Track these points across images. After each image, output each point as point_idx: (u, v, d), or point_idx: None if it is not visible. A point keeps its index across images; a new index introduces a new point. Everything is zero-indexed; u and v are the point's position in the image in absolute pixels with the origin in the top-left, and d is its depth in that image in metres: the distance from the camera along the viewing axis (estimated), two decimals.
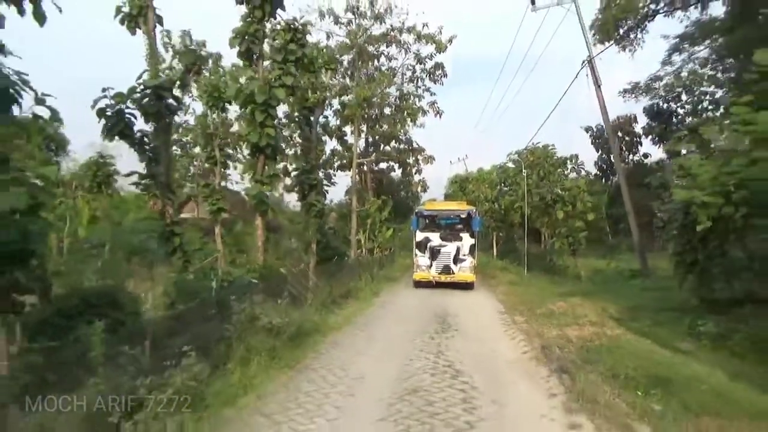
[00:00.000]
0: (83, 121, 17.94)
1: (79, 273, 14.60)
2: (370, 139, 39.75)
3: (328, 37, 34.38)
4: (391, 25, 35.16)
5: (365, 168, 38.19)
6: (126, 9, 16.93)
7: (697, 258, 11.13)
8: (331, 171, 38.51)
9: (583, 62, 22.89)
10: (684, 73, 28.41)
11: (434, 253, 21.89)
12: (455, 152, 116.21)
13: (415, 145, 40.63)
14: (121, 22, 17.15)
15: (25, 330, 7.64)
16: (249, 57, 19.92)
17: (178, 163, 35.47)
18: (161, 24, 17.82)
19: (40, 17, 7.03)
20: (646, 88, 30.32)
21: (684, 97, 37.23)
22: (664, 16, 29.32)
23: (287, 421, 6.03)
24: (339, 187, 60.13)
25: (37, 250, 5.72)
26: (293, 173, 27.81)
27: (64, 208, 22.76)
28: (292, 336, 9.06)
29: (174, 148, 31.87)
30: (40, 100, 5.75)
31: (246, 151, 31.10)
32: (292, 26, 20.38)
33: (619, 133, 49.19)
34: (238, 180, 37.64)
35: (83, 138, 44.28)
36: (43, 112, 5.68)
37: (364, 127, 37.43)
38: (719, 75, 28.81)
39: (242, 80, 20.30)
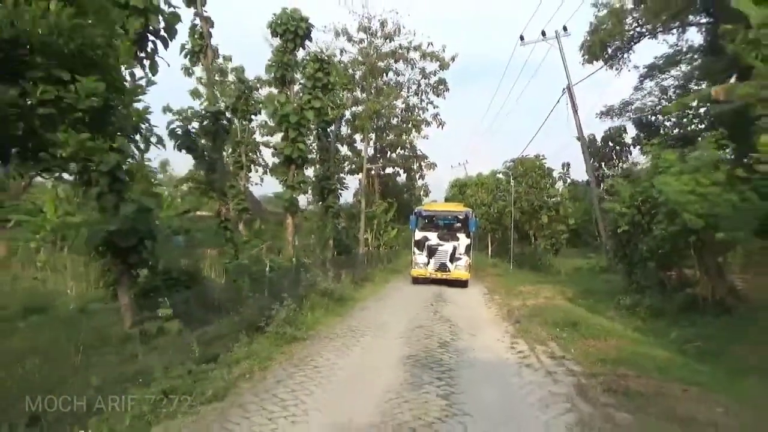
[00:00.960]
0: None
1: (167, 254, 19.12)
2: (378, 146, 44.17)
3: (341, 53, 38.92)
4: (400, 45, 39.68)
5: (373, 173, 42.57)
6: (189, 47, 21.35)
7: (625, 253, 15.61)
8: (342, 174, 42.97)
9: (563, 90, 27.19)
10: (653, 99, 32.73)
11: (432, 252, 22.94)
12: (458, 151, 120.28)
13: (418, 152, 45.11)
14: (185, 56, 21.63)
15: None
16: (282, 81, 24.40)
17: None
18: (217, 58, 22.34)
19: (154, 69, 11.78)
20: (619, 110, 34.75)
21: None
22: (649, 38, 33.58)
23: (345, 339, 10.45)
24: (348, 189, 64.50)
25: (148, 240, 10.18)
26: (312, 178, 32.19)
27: None
28: (338, 299, 13.59)
29: None
30: (160, 140, 10.17)
31: (267, 157, 35.56)
32: (319, 57, 24.83)
33: (610, 143, 53.56)
34: (257, 182, 42.15)
35: None
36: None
37: (372, 136, 41.78)
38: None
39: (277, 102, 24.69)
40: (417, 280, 22.89)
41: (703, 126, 29.39)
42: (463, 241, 22.82)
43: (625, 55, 34.25)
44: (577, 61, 32.54)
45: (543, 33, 28.72)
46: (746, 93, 11.69)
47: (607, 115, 35.58)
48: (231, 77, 29.36)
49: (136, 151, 10.27)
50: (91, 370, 6.69)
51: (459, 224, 24.42)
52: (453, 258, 22.55)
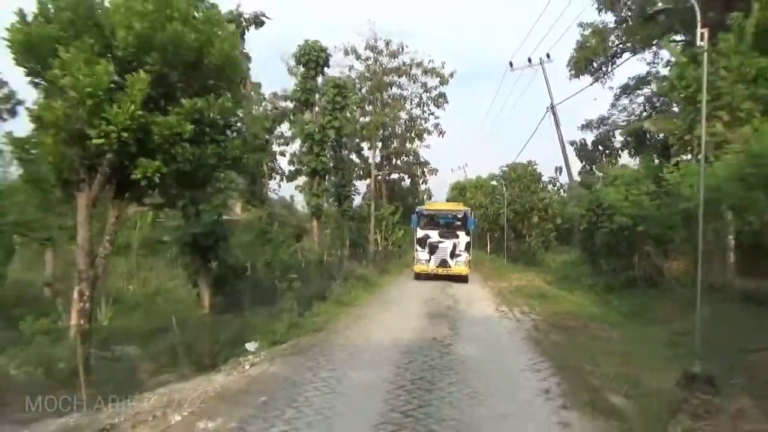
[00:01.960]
0: None
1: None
2: (384, 154, 48.77)
3: (349, 69, 43.60)
4: (403, 62, 44.37)
5: (379, 178, 47.17)
6: None
7: (586, 246, 20.33)
8: (353, 180, 47.62)
9: (547, 109, 31.87)
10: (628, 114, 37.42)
11: (433, 249, 24.29)
12: (460, 154, 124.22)
13: (421, 159, 49.71)
14: None
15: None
16: (306, 104, 29.14)
17: None
18: (254, 88, 27.01)
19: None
20: (597, 124, 39.50)
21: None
22: (631, 54, 37.97)
23: (381, 305, 15.16)
24: (358, 194, 69.30)
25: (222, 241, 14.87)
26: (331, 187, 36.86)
27: None
28: (370, 282, 18.35)
29: None
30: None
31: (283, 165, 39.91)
32: (338, 83, 29.51)
33: (600, 147, 58.33)
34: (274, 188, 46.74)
35: None
36: None
37: (379, 144, 46.38)
38: None
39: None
40: (419, 276, 24.28)
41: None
42: (463, 238, 24.39)
43: (609, 70, 38.74)
44: (566, 76, 37.07)
45: (529, 60, 33.40)
46: (664, 127, 16.49)
47: (587, 128, 40.31)
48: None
49: None
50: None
51: (459, 223, 25.53)
52: (453, 254, 24.03)
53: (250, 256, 22.34)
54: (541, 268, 32.11)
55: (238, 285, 16.72)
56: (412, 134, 47.05)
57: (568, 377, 7.86)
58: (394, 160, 49.18)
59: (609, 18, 34.63)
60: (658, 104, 32.53)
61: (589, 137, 43.38)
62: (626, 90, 35.71)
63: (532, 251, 38.11)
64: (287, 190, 57.19)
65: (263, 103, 34.54)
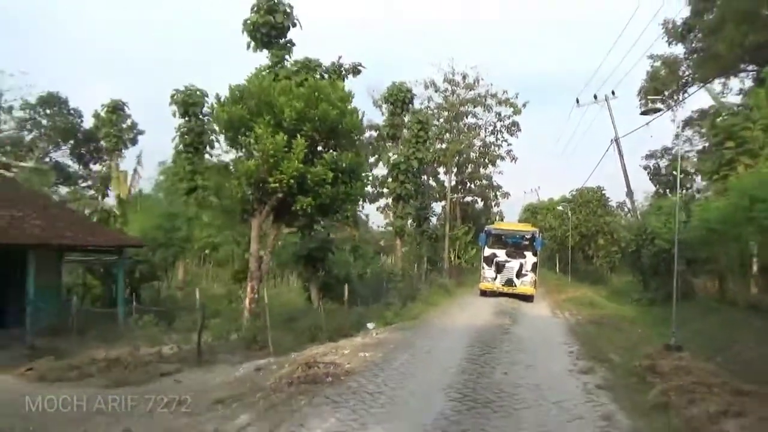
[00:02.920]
0: None
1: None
2: (459, 179, 52.89)
3: (428, 100, 48.28)
4: (479, 93, 48.60)
5: (454, 200, 51.27)
6: None
7: (636, 266, 23.83)
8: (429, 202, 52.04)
9: (611, 141, 35.16)
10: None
11: (500, 267, 24.91)
12: (533, 174, 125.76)
13: (494, 183, 53.46)
14: None
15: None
16: (393, 137, 33.96)
17: None
18: None
19: None
20: (660, 154, 42.06)
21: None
22: (699, 86, 40.01)
23: (459, 307, 19.55)
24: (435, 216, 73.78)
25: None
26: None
27: None
28: (449, 291, 22.78)
29: None
30: None
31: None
32: (420, 120, 34.20)
33: (674, 171, 59.95)
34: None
35: None
36: None
37: (454, 169, 50.56)
38: None
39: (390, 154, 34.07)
40: (485, 293, 24.78)
41: None
42: (530, 258, 25.06)
43: (680, 99, 40.75)
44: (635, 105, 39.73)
45: (595, 96, 36.81)
46: (699, 167, 19.94)
47: (651, 158, 42.81)
48: None
49: None
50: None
51: (526, 243, 26.28)
52: (519, 274, 24.65)
53: (344, 267, 27.19)
54: (604, 286, 35.23)
55: (339, 290, 21.50)
56: (486, 160, 50.93)
57: (588, 347, 12.03)
58: (468, 184, 53.15)
59: (679, 50, 36.88)
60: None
61: (663, 162, 45.12)
62: (689, 122, 38.20)
63: (598, 272, 41.14)
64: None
65: None
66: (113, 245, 17.18)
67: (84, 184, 47.31)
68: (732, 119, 19.33)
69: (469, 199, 54.69)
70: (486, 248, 26.16)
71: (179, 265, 28.33)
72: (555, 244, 47.73)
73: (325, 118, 14.68)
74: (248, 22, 23.04)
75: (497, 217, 55.34)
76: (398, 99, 33.72)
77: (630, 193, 36.78)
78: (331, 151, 15.69)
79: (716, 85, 36.72)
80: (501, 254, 25.52)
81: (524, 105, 48.77)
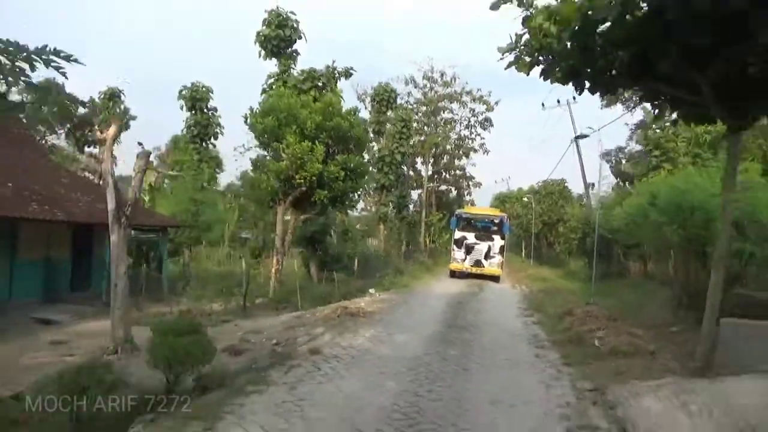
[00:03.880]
0: None
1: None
2: (434, 169, 57.59)
3: (408, 95, 52.71)
4: (455, 90, 53.20)
5: (430, 189, 56.00)
6: None
7: (583, 250, 28.88)
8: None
9: (571, 141, 40.10)
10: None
11: (469, 249, 26.54)
12: (506, 164, 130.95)
13: (467, 174, 58.33)
14: None
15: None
16: (378, 132, 38.34)
17: None
18: None
19: None
20: (615, 153, 47.36)
21: None
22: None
23: (437, 281, 24.28)
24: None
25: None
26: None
27: None
28: (428, 268, 27.52)
29: None
30: None
31: None
32: (404, 118, 38.71)
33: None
34: None
35: None
36: None
37: (431, 160, 55.22)
38: None
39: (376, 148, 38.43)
40: (454, 274, 26.73)
41: None
42: (498, 242, 26.98)
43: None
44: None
45: (558, 101, 41.59)
46: (634, 170, 24.89)
47: (607, 156, 48.02)
48: None
49: None
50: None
51: (495, 227, 27.73)
52: (487, 256, 26.52)
53: (338, 248, 31.49)
54: (561, 268, 40.32)
55: (334, 266, 25.86)
56: (461, 152, 55.72)
57: (533, 305, 16.95)
58: (443, 174, 57.90)
59: None
60: None
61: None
62: (641, 125, 43.42)
63: (558, 256, 46.32)
64: None
65: None
66: (159, 225, 21.32)
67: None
68: (660, 133, 24.31)
69: (444, 188, 59.44)
70: (456, 231, 27.58)
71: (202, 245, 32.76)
72: (521, 231, 52.93)
73: (338, 128, 19.17)
74: (260, 34, 27.25)
75: (470, 205, 60.36)
76: (384, 98, 38.17)
77: (587, 187, 41.84)
78: (341, 154, 20.22)
79: None
80: (470, 237, 27.00)
81: (496, 103, 53.61)
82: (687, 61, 7.51)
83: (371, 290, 19.07)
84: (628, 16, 7.18)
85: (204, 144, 34.56)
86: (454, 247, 27.34)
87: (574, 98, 42.46)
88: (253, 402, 6.39)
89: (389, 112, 39.06)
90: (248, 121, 19.93)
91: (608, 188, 47.73)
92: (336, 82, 29.74)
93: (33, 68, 3.66)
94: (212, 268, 28.03)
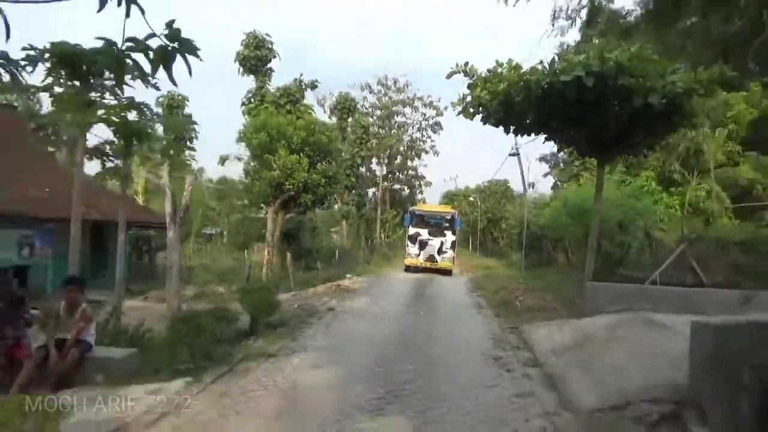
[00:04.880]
0: None
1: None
2: (389, 169, 62.18)
3: (364, 99, 57.09)
4: (408, 96, 57.92)
5: (384, 188, 60.59)
6: None
7: (520, 243, 34.05)
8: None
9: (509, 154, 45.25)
10: None
11: (422, 245, 28.26)
12: (455, 163, 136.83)
13: (419, 173, 63.22)
14: None
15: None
16: (342, 139, 42.54)
17: None
18: None
19: None
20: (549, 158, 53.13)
21: None
22: None
23: (395, 271, 28.78)
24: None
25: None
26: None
27: None
28: (389, 259, 32.04)
29: None
30: None
31: None
32: (363, 125, 43.08)
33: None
34: None
35: None
36: None
37: (385, 161, 59.79)
38: None
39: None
40: (408, 269, 28.51)
41: None
42: (449, 237, 28.83)
43: None
44: None
45: None
46: (559, 176, 30.18)
47: (543, 160, 53.75)
48: None
49: None
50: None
51: (446, 223, 29.30)
52: (440, 251, 28.35)
53: (309, 242, 35.51)
54: (504, 259, 45.61)
55: (308, 258, 29.99)
56: (413, 153, 60.52)
57: (477, 285, 21.70)
58: (396, 174, 62.59)
59: None
60: None
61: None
62: None
63: (502, 250, 51.73)
64: None
65: None
66: (156, 222, 24.99)
67: None
68: None
69: (397, 187, 64.17)
70: (410, 227, 29.11)
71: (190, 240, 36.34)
72: (468, 227, 58.19)
73: (319, 143, 23.40)
74: (240, 54, 31.14)
75: (422, 202, 65.25)
76: (345, 107, 42.46)
77: (525, 191, 47.22)
78: (321, 164, 24.44)
79: None
80: (424, 233, 28.57)
81: (446, 108, 58.60)
82: (567, 124, 12.27)
83: (348, 275, 23.39)
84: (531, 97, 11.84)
85: None
86: (408, 243, 28.90)
87: None
88: (307, 332, 10.77)
89: (350, 119, 43.36)
90: (242, 136, 23.84)
91: (548, 187, 53.81)
92: (303, 94, 33.78)
93: None
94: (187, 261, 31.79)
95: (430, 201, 66.86)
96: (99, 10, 2.62)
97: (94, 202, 20.82)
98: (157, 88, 9.01)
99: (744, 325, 6.11)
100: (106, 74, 8.88)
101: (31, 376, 6.35)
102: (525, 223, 23.36)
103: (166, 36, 2.87)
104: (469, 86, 13.34)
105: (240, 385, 7.09)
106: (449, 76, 13.49)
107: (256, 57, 30.96)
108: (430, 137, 60.59)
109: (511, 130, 13.81)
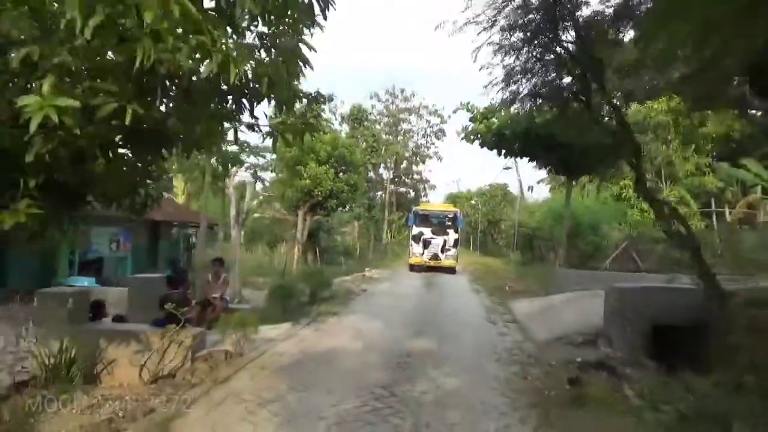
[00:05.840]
0: None
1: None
2: (395, 173, 66.47)
3: (372, 108, 61.39)
4: (413, 105, 62.22)
5: (391, 191, 64.88)
6: None
7: (515, 242, 38.31)
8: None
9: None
10: None
11: (426, 244, 29.02)
12: (462, 166, 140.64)
13: (424, 177, 67.54)
14: None
15: None
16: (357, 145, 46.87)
17: None
18: None
19: None
20: None
21: None
22: None
23: (406, 265, 33.05)
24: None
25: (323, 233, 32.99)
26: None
27: None
28: (399, 256, 36.31)
29: None
30: None
31: None
32: (374, 134, 47.37)
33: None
34: None
35: None
36: None
37: (392, 165, 64.06)
38: None
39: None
40: (413, 267, 29.32)
41: None
42: (452, 235, 29.61)
43: None
44: None
45: None
46: (552, 183, 34.54)
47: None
48: None
49: None
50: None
51: (449, 222, 30.06)
52: (444, 249, 29.14)
53: (327, 241, 39.71)
54: (503, 258, 49.81)
55: (327, 256, 34.23)
56: (418, 159, 64.81)
57: (476, 278, 26.01)
58: (402, 178, 66.88)
59: None
60: None
61: None
62: None
63: (501, 249, 56.06)
64: None
65: None
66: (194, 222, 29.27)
67: None
68: None
69: (403, 190, 68.49)
70: (414, 227, 29.85)
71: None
72: (470, 228, 62.50)
73: (342, 156, 27.65)
74: None
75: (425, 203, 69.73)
76: (357, 117, 46.76)
77: (521, 197, 51.61)
78: (344, 173, 28.67)
79: None
80: (427, 232, 29.27)
81: (449, 116, 62.97)
82: (544, 151, 16.59)
83: (367, 269, 27.61)
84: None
85: None
86: (412, 242, 29.70)
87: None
88: (352, 303, 15.14)
89: (361, 128, 47.68)
90: (276, 150, 28.02)
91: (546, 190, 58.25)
92: (322, 108, 37.67)
93: None
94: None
95: (435, 201, 71.10)
96: None
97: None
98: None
99: (635, 289, 10.39)
100: None
101: (198, 320, 10.59)
102: (516, 226, 27.63)
103: None
104: (470, 119, 17.66)
105: (322, 327, 11.41)
106: (455, 111, 17.90)
107: None
108: (434, 143, 64.90)
109: (503, 154, 18.11)
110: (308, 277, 15.28)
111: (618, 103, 9.31)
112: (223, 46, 3.58)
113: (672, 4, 6.16)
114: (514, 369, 8.40)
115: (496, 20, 8.10)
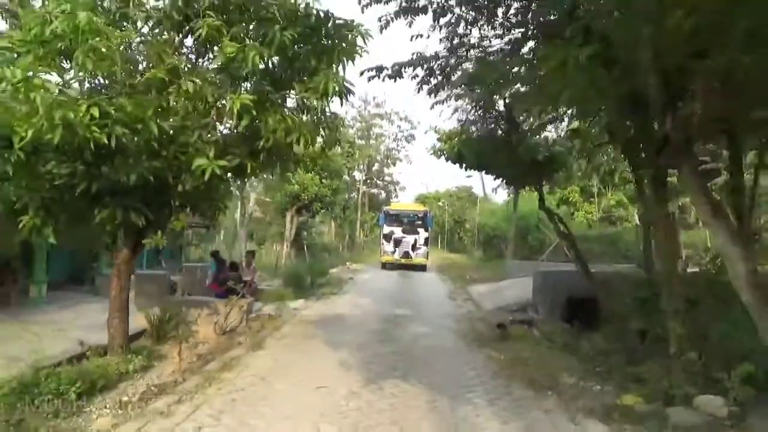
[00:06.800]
0: None
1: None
2: (368, 175, 70.48)
3: (345, 113, 65.26)
4: (385, 111, 66.34)
5: (363, 192, 68.88)
6: None
7: (478, 239, 42.73)
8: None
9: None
10: None
11: (397, 242, 29.98)
12: (429, 169, 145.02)
13: (395, 179, 71.72)
14: None
15: None
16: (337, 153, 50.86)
17: None
18: None
19: None
20: None
21: None
22: None
23: (376, 262, 37.18)
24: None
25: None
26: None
27: None
28: (374, 252, 40.45)
29: None
30: None
31: None
32: (350, 141, 51.30)
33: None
34: None
35: None
36: None
37: (364, 168, 68.08)
38: None
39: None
40: (385, 266, 30.12)
41: None
42: (422, 234, 30.64)
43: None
44: None
45: None
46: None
47: None
48: None
49: None
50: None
51: (419, 221, 31.07)
52: (414, 248, 30.36)
53: (308, 239, 43.52)
54: (467, 255, 54.25)
55: (310, 252, 38.06)
56: (389, 161, 68.94)
57: (442, 270, 30.32)
58: (374, 180, 70.92)
59: None
60: None
61: None
62: None
63: (466, 247, 60.64)
64: None
65: None
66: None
67: None
68: None
69: (374, 191, 72.56)
70: (385, 226, 30.76)
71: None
72: (438, 227, 66.95)
73: (326, 164, 31.60)
74: None
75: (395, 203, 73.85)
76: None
77: (485, 196, 56.13)
78: (328, 179, 32.61)
79: None
80: (398, 231, 30.19)
81: (419, 122, 67.34)
82: (495, 165, 20.89)
83: (348, 263, 31.58)
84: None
85: None
86: (383, 241, 30.62)
87: None
88: (344, 286, 19.34)
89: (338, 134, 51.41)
90: None
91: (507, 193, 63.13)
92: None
93: None
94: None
95: (405, 196, 75.33)
96: None
97: None
98: None
99: (556, 271, 14.72)
100: None
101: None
102: (476, 226, 31.91)
103: None
104: (437, 139, 21.78)
105: (327, 302, 15.56)
106: (425, 132, 22.01)
107: None
108: (404, 147, 69.22)
109: (464, 167, 22.30)
110: (309, 268, 19.25)
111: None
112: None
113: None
114: (465, 324, 12.62)
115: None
